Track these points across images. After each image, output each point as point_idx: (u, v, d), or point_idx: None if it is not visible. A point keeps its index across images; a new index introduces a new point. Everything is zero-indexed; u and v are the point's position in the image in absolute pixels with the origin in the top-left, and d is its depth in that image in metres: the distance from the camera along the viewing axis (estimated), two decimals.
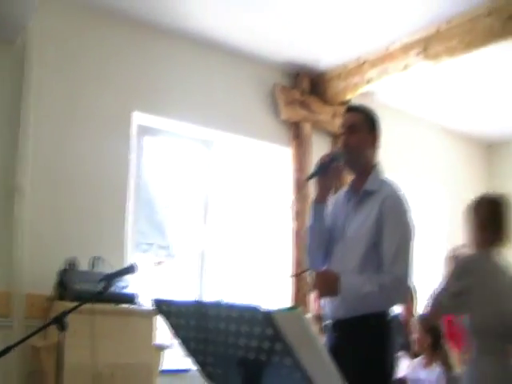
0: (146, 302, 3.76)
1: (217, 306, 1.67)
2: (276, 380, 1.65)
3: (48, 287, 3.73)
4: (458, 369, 3.97)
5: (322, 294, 2.88)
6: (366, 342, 2.66)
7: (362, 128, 2.85)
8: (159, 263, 8.14)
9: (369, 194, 2.81)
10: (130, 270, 2.99)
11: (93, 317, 3.07)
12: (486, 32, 4.29)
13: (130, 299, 3.73)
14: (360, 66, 5.21)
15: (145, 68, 4.66)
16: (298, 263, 5.11)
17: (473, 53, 4.53)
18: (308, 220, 2.99)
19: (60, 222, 4.13)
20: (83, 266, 3.87)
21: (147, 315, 3.65)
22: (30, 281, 3.86)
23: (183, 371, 4.29)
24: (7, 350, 2.42)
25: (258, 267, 5.39)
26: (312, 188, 2.98)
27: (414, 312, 4.66)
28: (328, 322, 2.88)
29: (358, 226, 2.78)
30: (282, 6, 4.39)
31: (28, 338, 2.59)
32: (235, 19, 4.60)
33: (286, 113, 5.35)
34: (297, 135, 5.44)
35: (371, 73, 5.13)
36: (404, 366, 4.41)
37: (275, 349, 1.56)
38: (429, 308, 3.26)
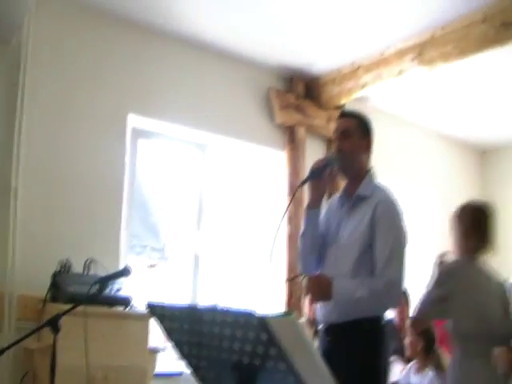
0: (139, 305, 3.76)
1: (211, 310, 1.68)
2: None
3: (41, 289, 3.71)
4: None
5: (314, 299, 2.89)
6: (358, 347, 2.67)
7: (355, 133, 2.87)
8: (153, 266, 8.13)
9: (362, 199, 2.83)
10: (124, 272, 2.98)
11: (87, 319, 3.06)
12: (480, 38, 4.31)
13: (123, 302, 3.72)
14: (355, 71, 5.22)
15: (139, 70, 4.66)
16: (292, 267, 5.12)
17: (467, 59, 4.56)
18: (302, 224, 3.00)
19: (53, 223, 4.12)
20: (77, 267, 3.86)
21: (141, 318, 3.64)
22: (22, 282, 3.85)
23: (177, 374, 4.29)
24: (1, 352, 2.41)
25: (251, 270, 5.39)
26: (306, 192, 3.00)
27: (407, 316, 4.67)
28: (321, 326, 2.89)
29: (352, 230, 2.80)
30: (276, 9, 4.40)
31: (21, 340, 2.58)
32: (230, 22, 4.61)
33: (280, 117, 5.36)
34: (291, 139, 5.45)
35: (366, 78, 5.15)
36: (397, 371, 4.42)
37: (269, 354, 1.57)
38: (414, 314, 3.31)
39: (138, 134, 4.74)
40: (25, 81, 4.04)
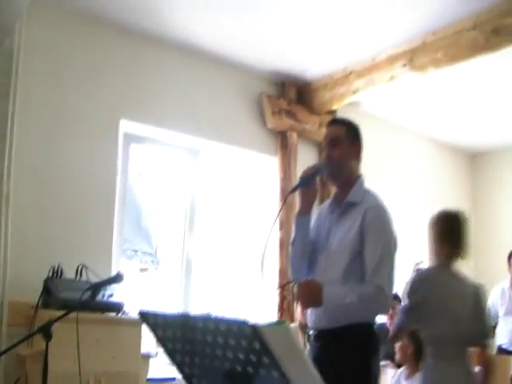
0: (132, 311, 3.76)
1: (204, 318, 1.68)
2: None
3: (33, 294, 3.70)
4: None
5: (305, 305, 2.90)
6: (349, 353, 2.67)
7: (344, 140, 2.88)
8: (144, 270, 8.13)
9: (352, 206, 2.84)
10: (116, 279, 2.99)
11: (79, 325, 3.05)
12: (470, 45, 4.34)
13: (116, 308, 3.71)
14: (346, 77, 5.24)
15: (132, 76, 4.66)
16: (283, 272, 5.12)
17: (458, 65, 4.59)
18: (293, 231, 3.02)
19: (45, 228, 4.12)
20: (69, 272, 3.85)
21: (134, 324, 3.64)
22: (14, 288, 3.84)
23: (169, 380, 4.28)
24: None
25: (243, 275, 5.40)
26: (297, 197, 3.01)
27: None
28: (311, 332, 2.90)
29: (341, 237, 2.81)
30: (269, 15, 4.41)
31: (13, 347, 2.57)
32: (222, 28, 4.62)
33: (272, 122, 5.37)
34: (283, 144, 5.46)
35: (357, 83, 5.17)
36: (389, 376, 4.44)
37: (262, 362, 1.57)
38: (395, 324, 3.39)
39: (130, 139, 4.74)
40: (16, 86, 4.03)
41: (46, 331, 2.52)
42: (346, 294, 2.65)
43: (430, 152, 6.92)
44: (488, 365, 3.46)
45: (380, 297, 2.67)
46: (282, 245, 5.11)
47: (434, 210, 6.53)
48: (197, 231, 5.05)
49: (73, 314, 2.83)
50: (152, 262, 8.25)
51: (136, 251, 7.88)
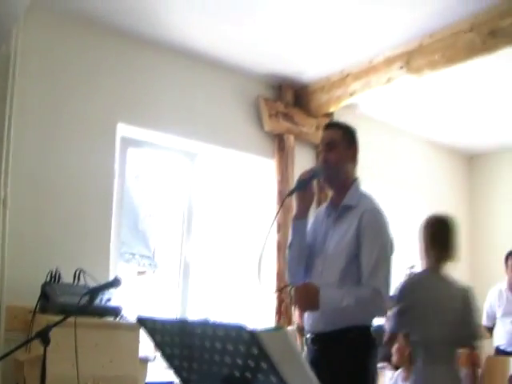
0: (130, 315, 3.75)
1: (202, 324, 1.68)
2: None
3: (30, 299, 3.68)
4: None
5: (302, 308, 2.91)
6: (346, 356, 2.68)
7: (340, 144, 2.90)
8: (142, 273, 8.12)
9: (348, 209, 2.85)
10: (114, 283, 2.97)
11: (77, 330, 3.05)
12: (467, 47, 4.35)
13: (114, 312, 3.71)
14: (343, 79, 5.25)
15: (129, 79, 4.66)
16: (281, 275, 5.12)
17: (455, 67, 4.60)
18: (289, 234, 3.02)
19: (43, 232, 4.12)
20: (66, 276, 3.84)
21: (132, 328, 3.63)
22: (11, 292, 3.83)
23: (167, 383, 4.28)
24: None
25: (241, 278, 5.40)
26: (294, 201, 3.01)
27: None
28: (308, 335, 2.91)
29: (338, 240, 2.82)
30: (266, 18, 4.42)
31: (11, 352, 2.57)
32: (219, 31, 4.62)
33: (269, 125, 5.37)
34: (280, 147, 5.46)
35: (354, 85, 5.18)
36: (386, 378, 4.44)
37: (260, 367, 1.57)
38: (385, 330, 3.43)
39: (127, 143, 4.74)
40: (13, 90, 4.02)
41: (43, 336, 2.52)
42: (343, 297, 2.65)
43: (427, 154, 6.93)
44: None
45: (377, 300, 2.68)
46: (280, 248, 5.11)
47: (432, 211, 6.59)
48: (194, 234, 5.05)
49: (71, 319, 2.82)
50: (150, 265, 8.24)
51: (134, 254, 7.87)
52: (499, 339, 5.74)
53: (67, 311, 2.89)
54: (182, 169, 5.14)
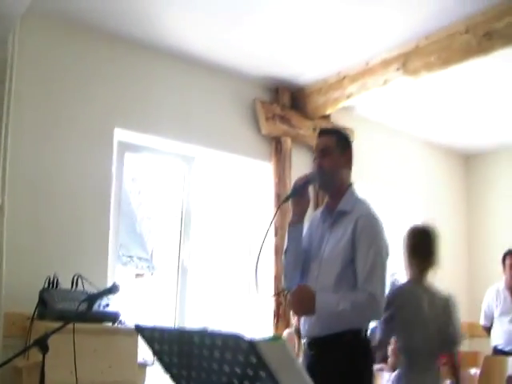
0: (128, 320, 3.75)
1: (201, 333, 1.68)
2: None
3: (28, 305, 3.69)
4: None
5: (298, 313, 2.92)
6: (341, 360, 2.70)
7: (334, 150, 2.92)
8: (140, 275, 8.12)
9: (343, 214, 2.87)
10: (112, 290, 2.97)
11: (75, 336, 3.04)
12: (463, 48, 4.36)
13: (112, 317, 3.71)
14: (340, 81, 5.25)
15: (125, 84, 4.66)
16: (279, 278, 5.12)
17: (451, 68, 4.61)
18: (286, 239, 3.04)
19: (40, 237, 4.11)
20: (64, 281, 3.84)
21: (130, 333, 3.63)
22: (9, 299, 3.81)
23: None
24: None
25: (238, 281, 5.40)
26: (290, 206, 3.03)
27: None
28: (304, 340, 2.92)
29: (333, 245, 2.84)
30: (262, 21, 4.42)
31: (10, 360, 2.56)
32: (215, 34, 4.62)
33: (266, 127, 5.37)
34: (277, 150, 5.46)
35: (351, 88, 5.18)
36: (384, 380, 4.44)
37: (259, 376, 1.57)
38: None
39: (124, 147, 4.74)
40: (10, 96, 4.01)
41: (42, 344, 2.51)
42: (339, 301, 2.67)
43: (424, 154, 6.94)
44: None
45: (372, 304, 2.70)
46: (278, 251, 5.11)
47: (429, 211, 6.61)
48: (192, 238, 5.05)
49: (69, 325, 2.82)
50: (148, 267, 8.25)
51: (131, 257, 7.87)
52: (497, 339, 5.75)
53: (65, 317, 2.89)
54: (180, 173, 5.14)
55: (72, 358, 3.06)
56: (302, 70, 5.25)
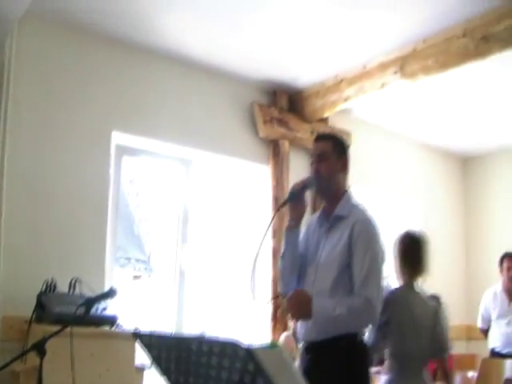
0: (126, 323, 3.75)
1: (199, 340, 1.69)
2: None
3: (26, 309, 3.68)
4: None
5: (294, 317, 2.94)
6: (338, 364, 2.72)
7: (330, 155, 2.94)
8: (138, 277, 8.11)
9: (339, 219, 2.89)
10: (109, 294, 2.99)
11: (73, 340, 3.05)
12: (460, 52, 4.37)
13: (109, 321, 3.71)
14: (338, 84, 5.25)
15: (123, 87, 4.66)
16: (276, 281, 5.12)
17: (448, 71, 4.62)
18: (282, 243, 3.05)
19: (38, 240, 4.11)
20: (62, 284, 3.84)
21: (128, 337, 3.62)
22: (7, 302, 3.82)
23: None
24: None
25: (236, 283, 5.40)
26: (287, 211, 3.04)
27: None
28: (301, 344, 2.93)
29: (330, 250, 2.85)
30: (259, 24, 4.42)
31: (8, 364, 2.57)
32: (213, 38, 4.62)
33: (264, 131, 5.38)
34: (275, 153, 5.47)
35: (349, 91, 5.18)
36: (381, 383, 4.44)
37: (256, 383, 1.58)
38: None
39: (122, 151, 4.74)
40: (8, 98, 4.01)
41: (39, 348, 2.52)
42: (335, 306, 2.69)
43: (421, 157, 6.95)
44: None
45: (369, 309, 2.72)
46: (275, 254, 5.11)
47: (427, 214, 6.63)
48: (190, 241, 5.05)
49: (67, 329, 2.82)
50: (145, 269, 8.24)
51: (129, 259, 7.86)
52: (494, 341, 5.75)
53: (63, 321, 2.90)
54: (177, 176, 5.14)
55: (69, 361, 3.06)
56: (300, 73, 5.26)
